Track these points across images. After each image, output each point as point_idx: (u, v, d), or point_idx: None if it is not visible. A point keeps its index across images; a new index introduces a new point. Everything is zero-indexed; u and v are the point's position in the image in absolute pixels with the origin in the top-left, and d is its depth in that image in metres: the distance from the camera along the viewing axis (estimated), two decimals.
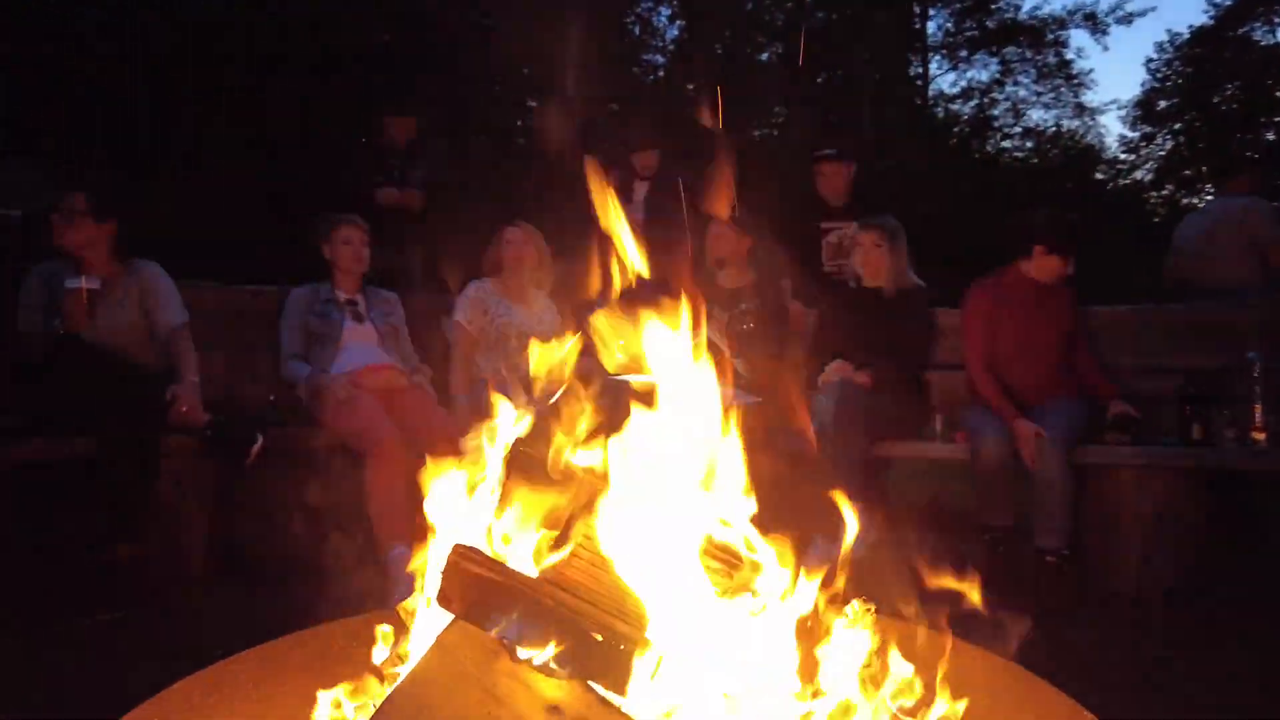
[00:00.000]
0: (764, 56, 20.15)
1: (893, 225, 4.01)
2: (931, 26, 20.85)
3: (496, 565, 0.99)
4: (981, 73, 21.06)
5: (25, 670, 2.25)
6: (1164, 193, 21.30)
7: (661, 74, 19.00)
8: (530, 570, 1.02)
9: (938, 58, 21.00)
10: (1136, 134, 21.70)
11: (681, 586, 0.96)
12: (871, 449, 3.65)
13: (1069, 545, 3.25)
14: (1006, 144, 21.69)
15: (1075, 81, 21.02)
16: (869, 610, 1.02)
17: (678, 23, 19.36)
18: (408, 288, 4.38)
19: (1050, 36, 20.71)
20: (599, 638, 0.92)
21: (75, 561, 2.89)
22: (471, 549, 1.02)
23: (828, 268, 4.87)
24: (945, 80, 21.38)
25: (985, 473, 3.42)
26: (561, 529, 1.02)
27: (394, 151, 5.04)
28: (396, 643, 1.22)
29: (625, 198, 5.25)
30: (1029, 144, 21.72)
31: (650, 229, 4.71)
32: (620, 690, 0.92)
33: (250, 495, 3.36)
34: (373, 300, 3.95)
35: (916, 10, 20.53)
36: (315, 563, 2.47)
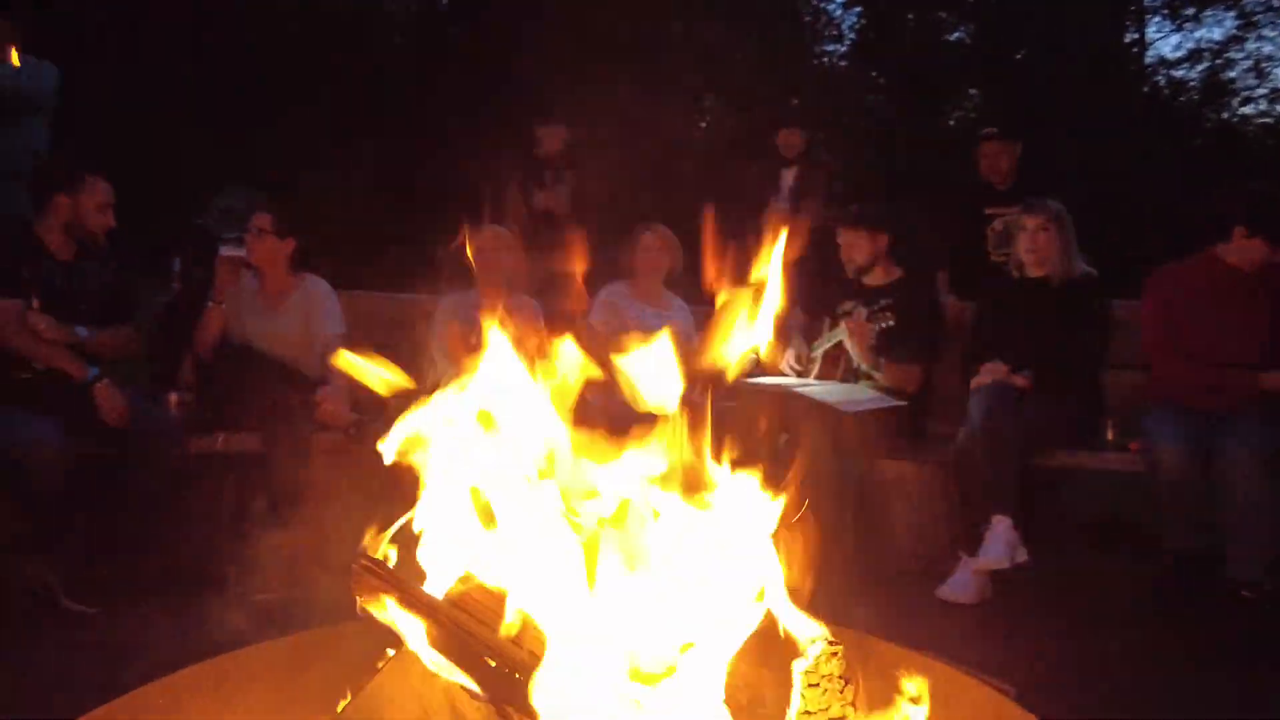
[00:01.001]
0: (954, 36, 18.92)
1: (1058, 208, 3.61)
2: None
3: (396, 580, 0.97)
4: (1213, 30, 18.44)
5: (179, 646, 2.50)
6: None
7: (843, 64, 18.34)
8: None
9: (1157, 20, 18.69)
10: None
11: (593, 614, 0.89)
12: (1030, 459, 3.30)
13: (1271, 577, 2.76)
14: (1248, 109, 18.89)
15: None
16: (835, 654, 0.88)
17: (855, 9, 18.59)
18: (555, 292, 4.49)
19: None
20: (493, 663, 0.87)
21: (236, 547, 3.20)
22: (375, 561, 1.00)
23: (994, 257, 4.48)
24: (1166, 45, 18.99)
25: (1165, 486, 2.98)
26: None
27: (546, 159, 5.19)
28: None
29: (772, 186, 5.09)
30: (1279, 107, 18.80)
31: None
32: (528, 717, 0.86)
33: (402, 491, 3.58)
34: (514, 305, 4.09)
35: None
36: None
